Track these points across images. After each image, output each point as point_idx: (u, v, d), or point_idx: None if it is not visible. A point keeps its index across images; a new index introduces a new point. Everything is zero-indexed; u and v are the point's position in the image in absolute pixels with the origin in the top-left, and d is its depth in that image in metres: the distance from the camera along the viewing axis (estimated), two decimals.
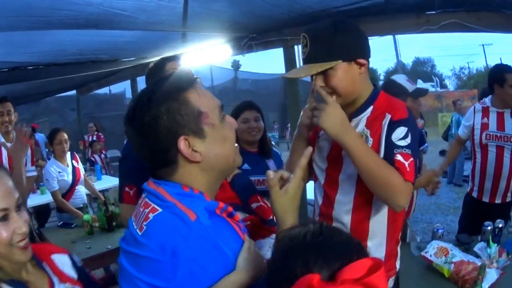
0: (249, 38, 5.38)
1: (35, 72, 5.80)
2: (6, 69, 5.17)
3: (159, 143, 1.12)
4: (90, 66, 6.11)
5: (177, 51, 5.84)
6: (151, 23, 4.11)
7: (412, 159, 1.67)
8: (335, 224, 1.92)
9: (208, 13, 4.00)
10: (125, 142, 2.44)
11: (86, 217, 4.24)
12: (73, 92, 11.47)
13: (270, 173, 1.27)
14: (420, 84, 30.99)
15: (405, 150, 1.68)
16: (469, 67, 54.11)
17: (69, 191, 5.05)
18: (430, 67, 56.77)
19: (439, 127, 20.07)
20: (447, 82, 53.52)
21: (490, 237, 2.80)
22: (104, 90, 19.36)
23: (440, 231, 3.01)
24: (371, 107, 1.85)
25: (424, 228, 6.64)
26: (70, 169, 5.07)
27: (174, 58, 2.56)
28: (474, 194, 3.97)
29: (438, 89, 32.54)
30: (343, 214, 1.91)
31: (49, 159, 5.78)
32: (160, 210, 1.12)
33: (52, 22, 3.58)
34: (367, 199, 1.84)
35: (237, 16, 4.34)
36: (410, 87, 3.17)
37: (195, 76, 1.22)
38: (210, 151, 1.16)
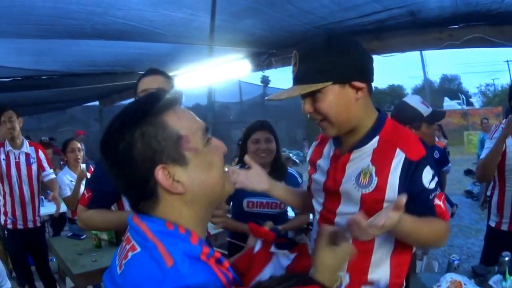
0: (269, 54, 5.34)
1: (50, 81, 5.90)
2: (20, 78, 5.25)
3: (135, 173, 0.99)
4: (105, 78, 6.16)
5: (194, 65, 5.87)
6: (177, 37, 4.14)
7: (443, 196, 1.57)
8: None
9: (230, 27, 3.99)
10: None
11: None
12: (97, 102, 11.57)
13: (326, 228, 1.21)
14: (447, 102, 30.75)
15: (438, 191, 1.53)
16: (494, 84, 53.22)
17: (78, 203, 4.97)
18: (457, 84, 56.08)
19: (465, 146, 19.80)
20: (473, 99, 52.72)
21: (507, 269, 2.61)
22: (128, 102, 19.58)
23: (455, 262, 2.81)
24: (377, 137, 1.59)
25: (445, 252, 6.39)
26: (84, 181, 5.02)
27: (153, 72, 2.23)
28: (504, 227, 3.36)
29: (464, 106, 32.13)
30: None
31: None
32: (138, 249, 0.99)
33: (77, 32, 3.66)
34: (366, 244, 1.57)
35: (258, 29, 4.33)
36: (425, 110, 2.89)
37: (174, 96, 1.08)
38: (194, 180, 1.02)
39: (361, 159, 1.59)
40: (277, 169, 3.06)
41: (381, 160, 1.55)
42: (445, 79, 57.00)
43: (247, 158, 1.94)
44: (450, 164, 5.95)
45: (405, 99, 3.05)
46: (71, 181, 4.91)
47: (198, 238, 1.02)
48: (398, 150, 1.53)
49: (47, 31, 3.56)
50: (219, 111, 15.79)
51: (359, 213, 1.29)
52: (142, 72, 2.26)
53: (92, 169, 5.30)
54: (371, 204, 1.51)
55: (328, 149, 1.78)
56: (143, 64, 5.65)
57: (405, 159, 1.51)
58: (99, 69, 5.82)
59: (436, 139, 6.88)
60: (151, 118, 0.99)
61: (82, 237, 4.49)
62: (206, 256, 0.99)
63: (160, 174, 0.97)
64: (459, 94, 37.28)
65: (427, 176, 1.51)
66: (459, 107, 30.42)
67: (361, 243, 1.44)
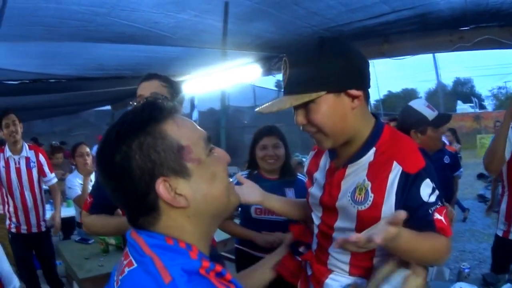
0: (279, 57, 5.32)
1: (59, 85, 5.96)
2: (28, 81, 5.29)
3: (134, 187, 0.93)
4: (114, 82, 6.18)
5: (205, 70, 5.88)
6: (185, 40, 4.14)
7: (445, 210, 1.43)
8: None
9: (238, 30, 3.98)
10: None
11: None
12: (109, 107, 11.63)
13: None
14: (460, 105, 30.65)
15: (438, 205, 1.40)
16: (506, 87, 52.69)
17: (82, 208, 4.96)
18: (470, 88, 55.62)
19: (477, 149, 19.63)
20: (485, 102, 52.22)
21: None
22: None
23: (466, 270, 2.74)
24: (373, 149, 1.48)
25: (456, 257, 6.32)
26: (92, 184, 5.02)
27: (148, 77, 2.18)
28: None
29: (477, 110, 31.88)
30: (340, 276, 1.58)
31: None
32: (135, 265, 0.93)
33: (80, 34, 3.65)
34: (366, 257, 1.51)
35: (267, 32, 4.32)
36: (430, 114, 2.81)
37: (173, 104, 1.02)
38: (197, 192, 0.96)
39: (357, 173, 1.49)
40: (286, 175, 3.04)
41: (378, 175, 1.44)
42: (458, 82, 56.52)
43: (238, 175, 1.93)
44: (462, 169, 5.87)
45: (410, 103, 2.97)
46: (81, 183, 4.91)
47: (198, 253, 0.96)
48: (395, 163, 1.42)
49: (52, 32, 3.57)
50: (233, 115, 15.78)
51: (354, 235, 1.20)
52: None
53: None
54: (368, 221, 1.40)
55: (324, 161, 1.69)
56: (152, 67, 5.61)
57: (402, 172, 1.40)
58: (107, 73, 5.84)
59: (449, 143, 6.81)
60: (149, 127, 0.93)
61: (90, 242, 4.49)
62: (206, 271, 0.93)
63: (161, 187, 0.92)
64: (472, 97, 37.04)
65: (426, 190, 1.39)
66: (472, 110, 30.20)
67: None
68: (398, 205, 1.39)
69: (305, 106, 1.41)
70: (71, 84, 6.05)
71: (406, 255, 1.37)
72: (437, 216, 1.39)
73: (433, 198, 1.39)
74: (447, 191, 4.97)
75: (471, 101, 33.73)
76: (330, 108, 1.38)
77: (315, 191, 1.68)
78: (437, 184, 1.42)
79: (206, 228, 1.03)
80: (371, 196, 1.43)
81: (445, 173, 5.12)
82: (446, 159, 5.34)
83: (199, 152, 0.97)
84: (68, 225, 6.14)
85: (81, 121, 20.81)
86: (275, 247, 1.96)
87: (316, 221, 1.70)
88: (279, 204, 1.95)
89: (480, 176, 13.06)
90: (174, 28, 3.88)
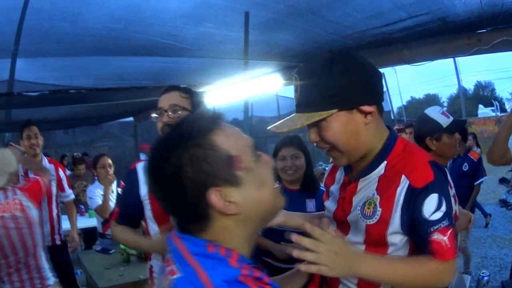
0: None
1: (79, 96, 6.03)
2: (48, 92, 5.36)
3: (185, 197, 0.94)
4: (135, 93, 6.23)
5: (227, 80, 5.91)
6: (204, 51, 4.21)
7: (451, 230, 1.34)
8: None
9: (257, 40, 4.02)
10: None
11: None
12: (132, 118, 11.67)
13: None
14: (481, 109, 30.07)
15: (442, 224, 1.32)
16: None
17: (110, 218, 4.94)
18: (490, 91, 54.85)
19: None
20: (506, 105, 51.39)
21: None
22: None
23: (485, 278, 2.73)
24: (384, 162, 1.44)
25: (478, 264, 6.21)
26: (114, 195, 5.05)
27: (168, 89, 2.19)
28: None
29: (498, 113, 31.32)
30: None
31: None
32: (179, 274, 0.94)
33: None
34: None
35: (285, 41, 4.35)
36: (444, 121, 2.79)
37: (218, 113, 1.02)
38: (248, 199, 0.97)
39: (367, 187, 1.46)
40: (307, 186, 2.99)
41: (386, 189, 1.40)
42: (479, 86, 55.82)
43: None
44: (483, 179, 5.75)
45: (425, 110, 2.96)
46: (102, 194, 4.92)
47: (237, 258, 0.97)
48: (403, 176, 1.37)
49: (69, 48, 3.64)
50: (257, 126, 15.79)
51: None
52: None
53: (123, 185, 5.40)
54: (375, 235, 1.40)
55: (340, 175, 1.67)
56: (173, 77, 5.70)
57: (409, 186, 1.35)
58: (127, 83, 5.89)
59: (470, 148, 6.70)
60: (198, 139, 0.94)
61: (111, 252, 4.52)
62: (245, 277, 0.93)
63: (213, 197, 0.93)
64: (493, 101, 36.43)
65: (430, 205, 1.33)
66: (493, 114, 29.64)
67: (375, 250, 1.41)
68: (405, 220, 1.36)
69: (317, 123, 1.38)
70: (92, 95, 6.10)
71: (385, 283, 1.36)
72: (436, 236, 1.32)
73: (436, 216, 1.32)
74: (463, 198, 4.92)
75: (492, 105, 33.16)
76: (342, 125, 1.36)
77: (330, 204, 1.66)
78: (448, 200, 1.36)
79: (253, 231, 1.04)
80: (379, 211, 1.39)
81: (463, 181, 5.05)
82: (465, 167, 5.27)
83: (248, 160, 0.98)
84: (90, 235, 6.21)
85: (103, 133, 21.05)
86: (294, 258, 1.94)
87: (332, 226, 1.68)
88: (303, 221, 1.95)
89: (502, 181, 12.79)
90: (193, 40, 3.92)
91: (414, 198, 1.34)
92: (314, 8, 3.47)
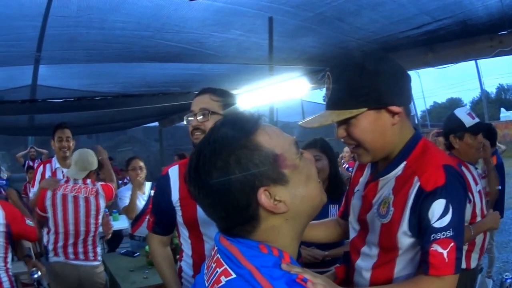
0: (326, 71, 5.33)
1: (104, 102, 6.08)
2: (72, 98, 5.42)
3: (234, 200, 0.93)
4: (162, 98, 6.28)
5: (253, 85, 5.93)
6: (231, 58, 4.24)
7: (453, 243, 1.27)
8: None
9: (284, 46, 4.05)
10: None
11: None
12: (157, 123, 11.74)
13: None
14: (503, 112, 29.51)
15: (443, 235, 1.27)
16: None
17: (139, 219, 4.89)
18: None
19: None
20: None
21: None
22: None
23: (508, 281, 2.69)
24: (404, 163, 1.45)
25: (500, 268, 6.13)
26: (145, 197, 5.01)
27: (200, 92, 2.18)
28: None
29: None
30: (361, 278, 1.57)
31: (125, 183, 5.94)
32: (233, 276, 0.93)
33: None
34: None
35: (312, 47, 4.36)
36: (468, 121, 2.87)
37: (259, 113, 1.02)
38: (296, 196, 0.97)
39: (387, 187, 1.47)
40: (331, 190, 2.83)
41: (400, 189, 1.40)
42: (501, 89, 54.86)
43: None
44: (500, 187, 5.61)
45: (455, 110, 3.09)
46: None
47: (289, 260, 0.97)
48: (416, 178, 1.36)
49: (95, 55, 3.70)
50: (282, 130, 15.86)
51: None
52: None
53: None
54: (387, 234, 1.41)
55: (366, 173, 1.67)
56: (199, 84, 5.70)
57: (419, 187, 1.34)
58: (154, 89, 5.94)
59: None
60: (243, 140, 0.94)
61: (135, 255, 4.52)
62: (303, 280, 0.93)
63: (263, 197, 0.92)
64: None
65: (437, 210, 1.29)
66: None
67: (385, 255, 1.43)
68: (413, 222, 1.35)
69: (346, 120, 1.40)
70: (117, 101, 6.18)
71: None
72: (435, 247, 1.28)
73: (441, 223, 1.29)
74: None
75: None
76: (370, 124, 1.39)
77: (354, 203, 1.66)
78: (457, 208, 1.31)
79: (301, 228, 1.04)
80: (391, 210, 1.40)
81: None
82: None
83: (292, 158, 0.98)
84: (113, 238, 6.23)
85: (127, 137, 21.15)
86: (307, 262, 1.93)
87: (352, 234, 1.67)
88: (322, 231, 1.94)
89: None
90: (220, 47, 3.96)
91: (422, 200, 1.32)
92: (342, 16, 3.49)
